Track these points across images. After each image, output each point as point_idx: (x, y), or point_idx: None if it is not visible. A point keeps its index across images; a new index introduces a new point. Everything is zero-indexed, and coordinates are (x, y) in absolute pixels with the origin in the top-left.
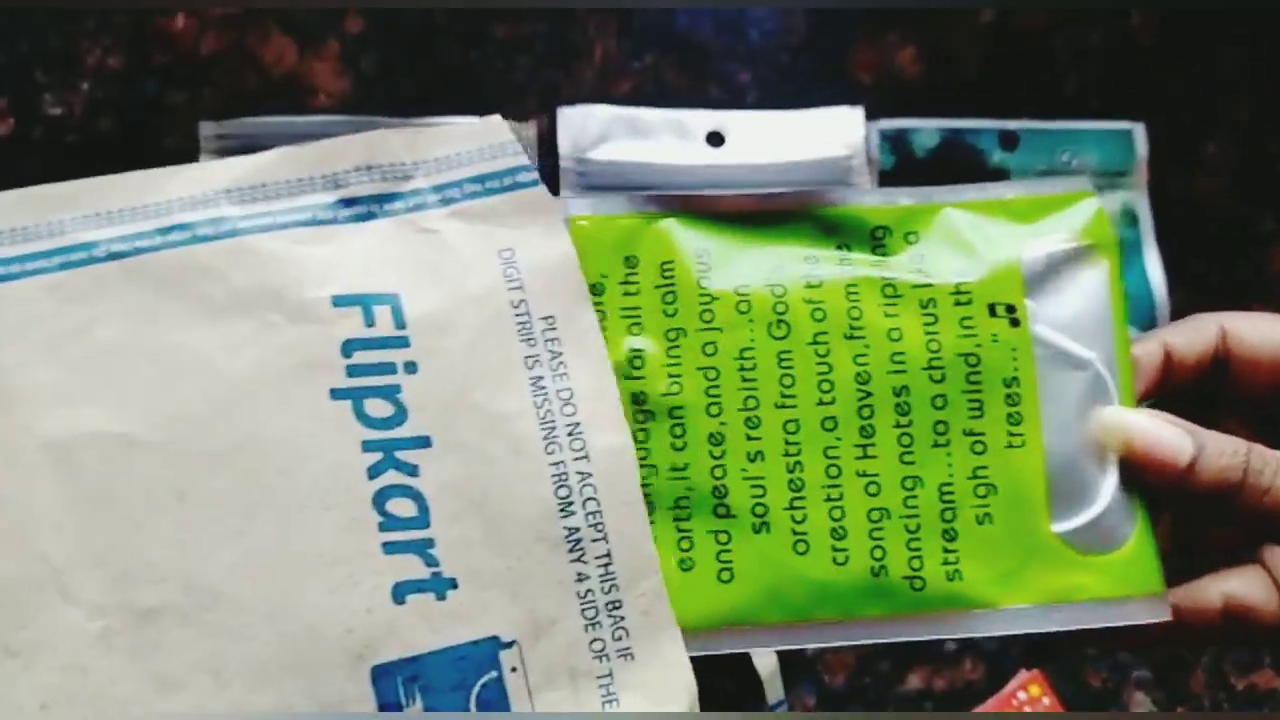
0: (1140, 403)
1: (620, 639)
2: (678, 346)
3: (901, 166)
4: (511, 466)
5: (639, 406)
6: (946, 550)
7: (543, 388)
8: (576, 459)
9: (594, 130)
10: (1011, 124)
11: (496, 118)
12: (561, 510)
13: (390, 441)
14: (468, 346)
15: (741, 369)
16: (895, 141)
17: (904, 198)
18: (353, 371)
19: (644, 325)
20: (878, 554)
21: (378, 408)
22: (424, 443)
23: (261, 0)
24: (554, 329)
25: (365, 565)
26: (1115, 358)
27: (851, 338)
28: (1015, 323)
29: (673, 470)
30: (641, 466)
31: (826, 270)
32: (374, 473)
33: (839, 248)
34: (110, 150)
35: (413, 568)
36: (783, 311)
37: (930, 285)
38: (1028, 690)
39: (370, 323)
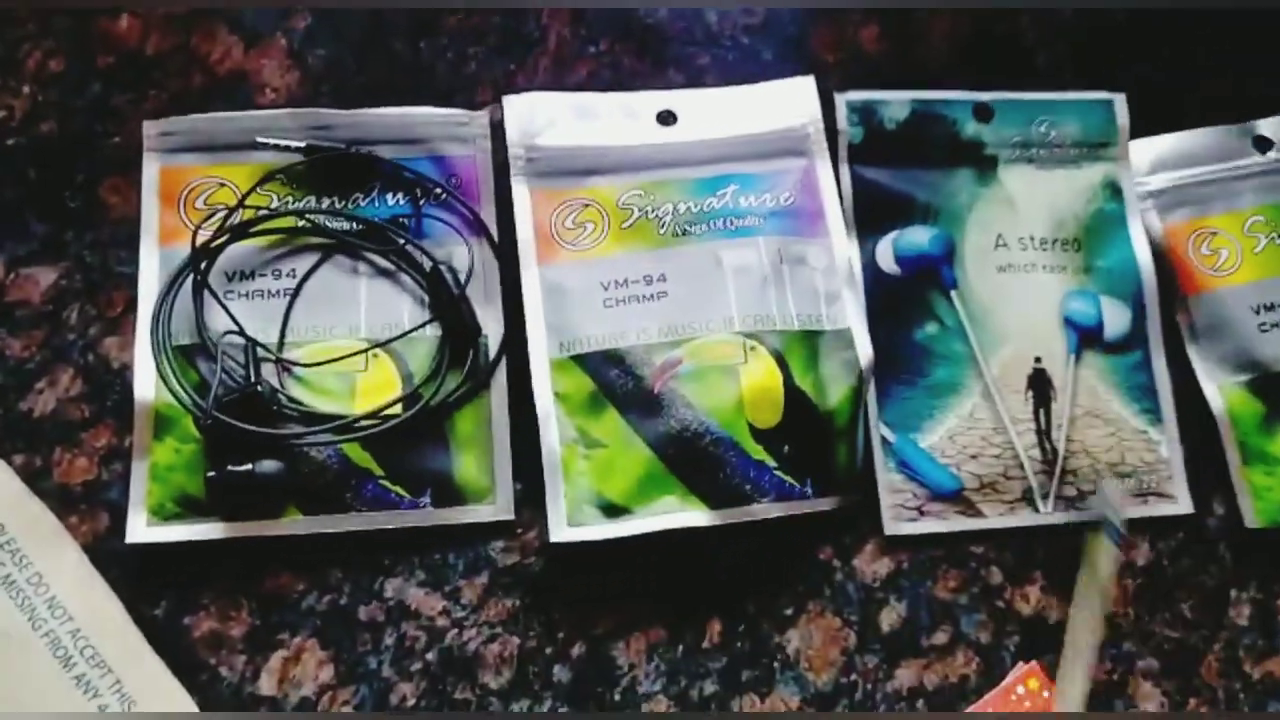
0: None
1: None
2: None
3: (871, 139)
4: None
5: None
6: None
7: (13, 581)
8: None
9: (541, 117)
10: (985, 95)
11: None
12: (64, 666)
13: None
14: None
15: None
16: (864, 114)
17: None
18: None
19: None
20: None
21: None
22: None
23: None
24: (5, 533)
25: None
26: None
27: None
28: None
29: None
30: None
31: None
32: None
33: None
34: (52, 153)
35: None
36: None
37: None
38: (1027, 684)
39: None
